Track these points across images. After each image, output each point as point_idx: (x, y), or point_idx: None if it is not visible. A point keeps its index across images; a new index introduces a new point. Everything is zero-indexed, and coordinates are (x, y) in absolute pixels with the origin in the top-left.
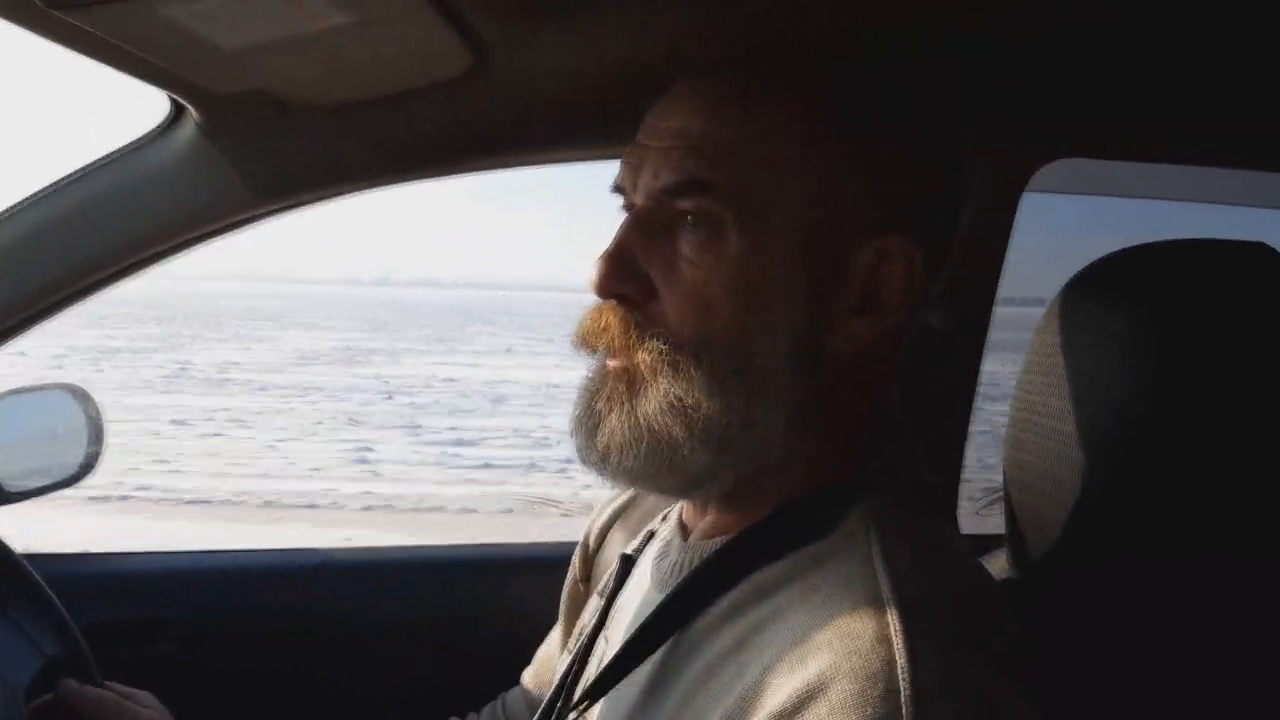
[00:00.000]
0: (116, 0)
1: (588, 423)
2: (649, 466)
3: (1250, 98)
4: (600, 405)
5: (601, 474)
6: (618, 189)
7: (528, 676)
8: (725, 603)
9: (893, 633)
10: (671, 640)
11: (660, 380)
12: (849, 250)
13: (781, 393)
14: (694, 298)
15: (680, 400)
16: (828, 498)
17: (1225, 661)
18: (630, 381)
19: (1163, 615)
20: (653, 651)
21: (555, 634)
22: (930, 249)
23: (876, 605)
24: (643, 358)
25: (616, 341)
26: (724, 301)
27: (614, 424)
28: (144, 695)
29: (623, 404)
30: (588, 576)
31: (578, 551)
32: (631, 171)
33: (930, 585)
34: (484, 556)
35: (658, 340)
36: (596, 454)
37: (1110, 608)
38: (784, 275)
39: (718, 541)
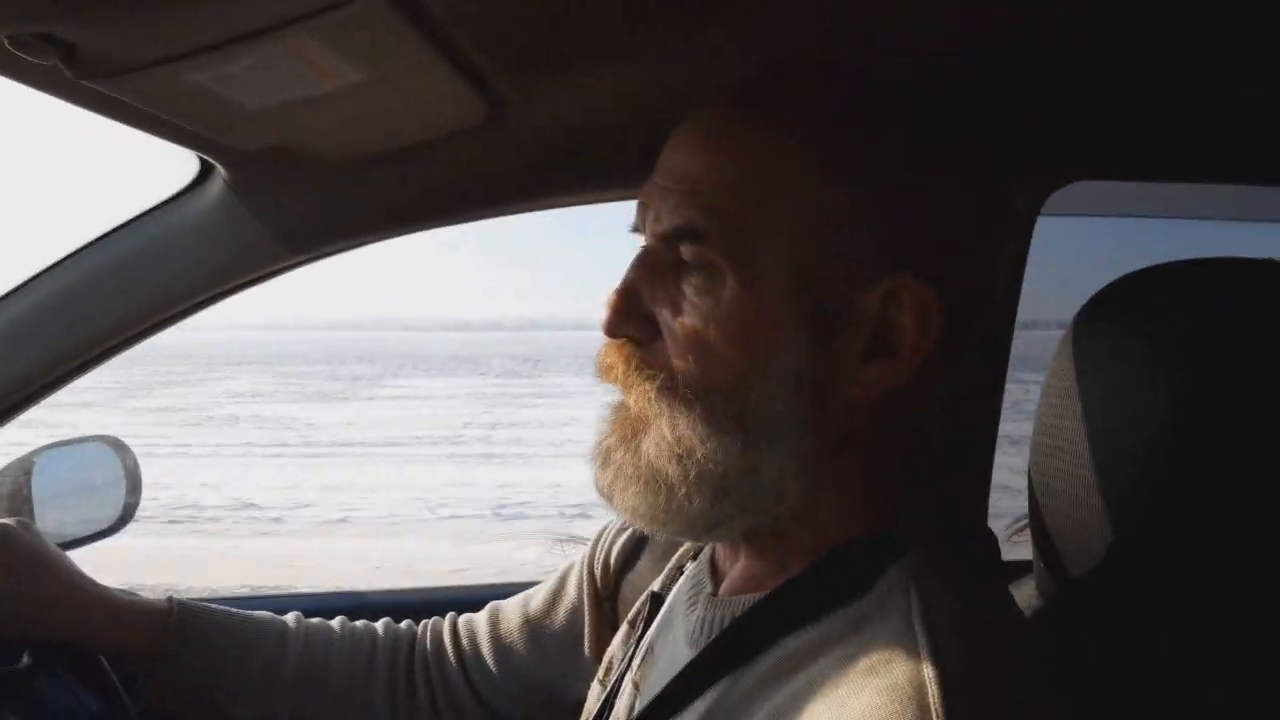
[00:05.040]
0: (144, 68)
1: (599, 456)
2: (648, 507)
3: (1260, 112)
4: (610, 441)
5: (610, 507)
6: (636, 229)
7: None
8: (760, 670)
9: (934, 715)
10: (705, 711)
11: (661, 422)
12: (853, 291)
13: (788, 440)
14: (693, 341)
15: (679, 443)
16: (864, 553)
17: (1260, 684)
18: (636, 420)
19: (1195, 637)
20: (679, 712)
21: (538, 595)
22: (949, 291)
23: (917, 683)
24: (643, 398)
25: (620, 380)
26: (723, 346)
27: (619, 460)
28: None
29: (627, 442)
30: (611, 595)
31: (586, 558)
32: (643, 210)
33: (973, 655)
34: (497, 597)
35: (657, 382)
36: (604, 488)
37: (1141, 631)
38: (783, 318)
39: (748, 600)
